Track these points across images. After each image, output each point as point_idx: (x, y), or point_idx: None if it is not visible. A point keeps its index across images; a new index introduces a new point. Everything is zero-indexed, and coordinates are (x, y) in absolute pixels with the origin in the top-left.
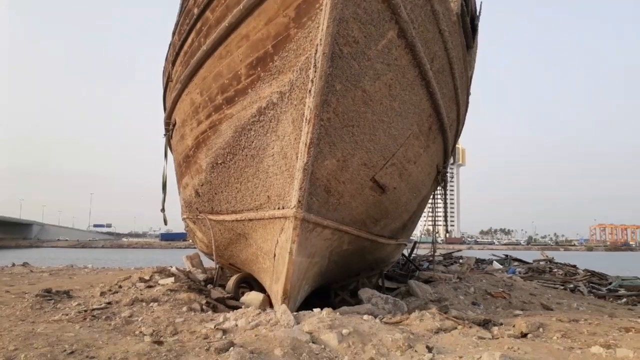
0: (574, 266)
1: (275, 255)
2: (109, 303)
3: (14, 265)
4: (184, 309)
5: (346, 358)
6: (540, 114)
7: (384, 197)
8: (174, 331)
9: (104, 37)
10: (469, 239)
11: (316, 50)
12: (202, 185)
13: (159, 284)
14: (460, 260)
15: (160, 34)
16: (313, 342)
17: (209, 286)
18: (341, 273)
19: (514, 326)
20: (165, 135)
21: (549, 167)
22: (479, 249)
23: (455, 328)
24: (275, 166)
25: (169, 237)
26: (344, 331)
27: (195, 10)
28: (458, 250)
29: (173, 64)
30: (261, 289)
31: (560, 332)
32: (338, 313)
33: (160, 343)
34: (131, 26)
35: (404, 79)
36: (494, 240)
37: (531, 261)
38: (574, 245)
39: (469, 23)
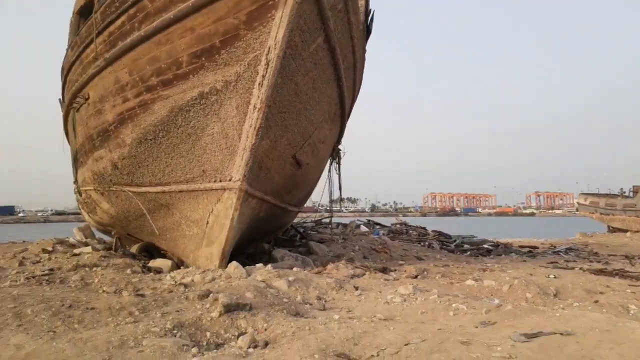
0: (424, 228)
1: (208, 223)
2: (52, 269)
3: None
4: (128, 271)
5: (299, 297)
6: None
7: (298, 172)
8: (135, 289)
9: None
10: (320, 207)
11: (268, 51)
12: (123, 159)
13: (83, 252)
14: (330, 226)
15: None
16: (269, 288)
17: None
18: (249, 238)
19: (405, 271)
20: (74, 108)
21: (389, 141)
22: (328, 217)
23: (364, 274)
24: (214, 144)
25: None
26: (290, 278)
27: None
28: (327, 217)
29: (91, 41)
30: (160, 256)
31: (440, 273)
32: (272, 267)
33: (142, 295)
34: None
35: (324, 75)
36: (343, 208)
37: (389, 224)
38: (411, 211)
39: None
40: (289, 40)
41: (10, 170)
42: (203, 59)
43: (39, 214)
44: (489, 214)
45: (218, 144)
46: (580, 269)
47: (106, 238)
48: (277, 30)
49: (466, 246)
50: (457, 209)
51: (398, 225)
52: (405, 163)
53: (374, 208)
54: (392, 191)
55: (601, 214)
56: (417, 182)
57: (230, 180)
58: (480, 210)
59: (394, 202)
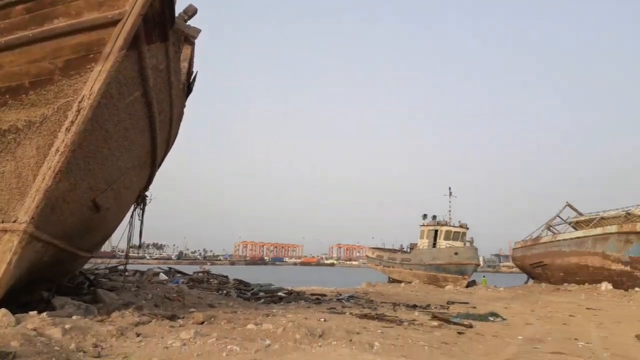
0: (226, 276)
1: None
2: None
3: None
4: None
5: (72, 345)
6: None
7: (95, 216)
8: None
9: None
10: (120, 253)
11: (81, 99)
12: None
13: None
14: (126, 273)
15: None
16: (40, 336)
17: None
18: (25, 284)
19: (193, 318)
20: None
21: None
22: (131, 263)
23: (151, 321)
24: (3, 183)
25: None
26: (66, 326)
27: None
28: (124, 264)
29: None
30: None
31: (226, 319)
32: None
33: None
34: None
35: (137, 125)
36: (146, 255)
37: (192, 273)
38: (220, 259)
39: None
40: (104, 92)
41: None
42: (7, 96)
43: None
44: (295, 264)
45: (8, 183)
46: (350, 313)
47: None
48: (93, 82)
49: (262, 294)
50: (265, 258)
51: (200, 274)
52: (216, 208)
53: (181, 256)
54: (204, 238)
55: (384, 266)
56: (229, 229)
57: (14, 221)
58: (287, 259)
59: (204, 249)
